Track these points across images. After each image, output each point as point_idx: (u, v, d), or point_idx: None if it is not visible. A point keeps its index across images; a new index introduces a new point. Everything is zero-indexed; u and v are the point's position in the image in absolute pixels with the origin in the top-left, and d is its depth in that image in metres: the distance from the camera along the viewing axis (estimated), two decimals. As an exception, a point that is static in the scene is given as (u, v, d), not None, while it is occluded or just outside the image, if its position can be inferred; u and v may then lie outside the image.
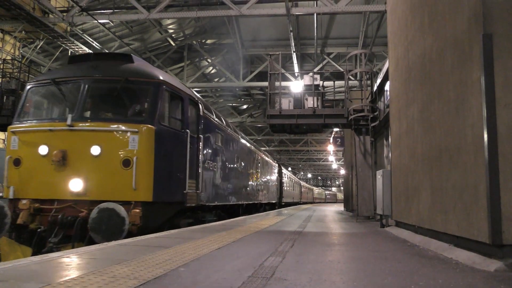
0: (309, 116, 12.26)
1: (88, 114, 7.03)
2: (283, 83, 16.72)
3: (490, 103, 3.78)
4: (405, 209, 7.17)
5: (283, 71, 16.28)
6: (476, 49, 4.00)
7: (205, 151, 9.06)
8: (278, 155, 48.37)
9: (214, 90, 25.94)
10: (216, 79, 25.33)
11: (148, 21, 17.77)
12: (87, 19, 15.08)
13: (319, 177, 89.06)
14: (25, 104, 7.32)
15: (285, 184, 28.87)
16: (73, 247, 5.74)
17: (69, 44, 16.77)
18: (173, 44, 20.83)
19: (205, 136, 9.00)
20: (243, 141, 14.44)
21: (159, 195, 6.69)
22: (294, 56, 17.94)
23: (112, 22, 16.83)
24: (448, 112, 4.83)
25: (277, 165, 25.50)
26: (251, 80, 20.61)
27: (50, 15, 15.49)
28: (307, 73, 13.32)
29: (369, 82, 12.73)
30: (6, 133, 6.89)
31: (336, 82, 16.46)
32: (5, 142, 6.74)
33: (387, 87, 11.24)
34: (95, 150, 6.41)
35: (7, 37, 17.35)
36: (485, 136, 3.78)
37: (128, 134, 6.51)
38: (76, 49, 16.94)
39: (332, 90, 18.75)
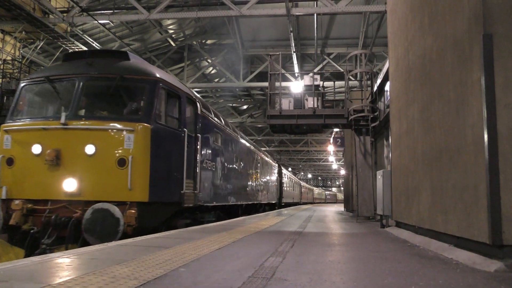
0: (309, 116, 12.26)
1: (82, 112, 6.90)
2: (283, 84, 16.72)
3: (490, 103, 3.78)
4: (405, 209, 7.17)
5: (283, 71, 16.28)
6: (476, 49, 4.00)
7: (203, 151, 8.91)
8: (278, 155, 48.36)
9: (214, 90, 25.95)
10: (216, 80, 25.33)
11: (148, 21, 17.78)
12: (87, 20, 15.09)
13: (319, 178, 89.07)
14: (18, 103, 7.17)
15: (285, 185, 28.86)
16: (66, 249, 5.60)
17: (69, 45, 16.79)
18: (173, 45, 20.84)
19: (203, 135, 8.86)
20: (242, 140, 14.35)
21: (155, 195, 6.55)
22: (294, 56, 17.95)
23: (112, 22, 16.85)
24: (448, 112, 4.83)
25: (277, 165, 25.48)
26: (251, 81, 20.62)
27: (51, 16, 15.50)
28: (307, 74, 13.32)
29: (369, 82, 12.74)
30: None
31: (336, 82, 16.48)
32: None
33: (387, 87, 11.24)
34: (90, 149, 6.28)
35: (8, 38, 17.36)
36: (485, 136, 3.78)
37: (124, 132, 6.37)
38: (77, 50, 16.94)
39: (332, 90, 18.79)
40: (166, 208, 7.24)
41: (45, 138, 6.42)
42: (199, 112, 8.68)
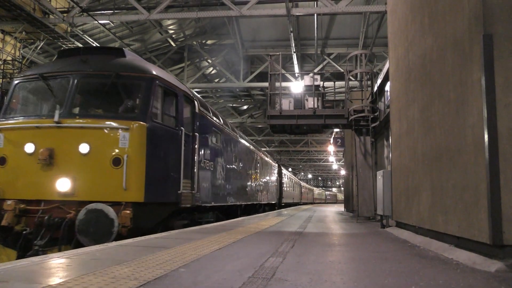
0: (310, 116, 12.26)
1: (76, 110, 6.74)
2: (284, 84, 16.72)
3: (490, 103, 3.78)
4: (405, 209, 7.17)
5: (283, 71, 16.29)
6: (476, 50, 4.00)
7: (201, 150, 8.76)
8: (278, 155, 48.39)
9: (214, 90, 25.96)
10: (216, 80, 25.35)
11: (148, 21, 17.78)
12: (87, 20, 15.09)
13: (319, 178, 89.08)
14: (11, 100, 7.02)
15: (285, 185, 28.84)
16: (59, 250, 5.47)
17: (69, 45, 16.78)
18: (174, 45, 20.84)
19: (201, 134, 8.71)
20: (241, 140, 14.26)
21: (151, 196, 6.41)
22: (294, 56, 17.95)
23: (113, 22, 16.86)
24: (448, 112, 4.83)
25: (276, 165, 25.46)
26: (251, 81, 20.62)
27: (51, 16, 15.51)
28: (308, 74, 13.32)
29: (369, 82, 12.73)
30: None
31: (336, 82, 16.46)
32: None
33: (387, 87, 11.24)
34: (84, 148, 6.13)
35: (8, 38, 17.36)
36: (486, 136, 3.77)
37: (119, 131, 6.24)
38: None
39: (333, 90, 18.73)
40: (163, 208, 7.09)
41: (38, 137, 6.28)
42: (196, 110, 8.55)
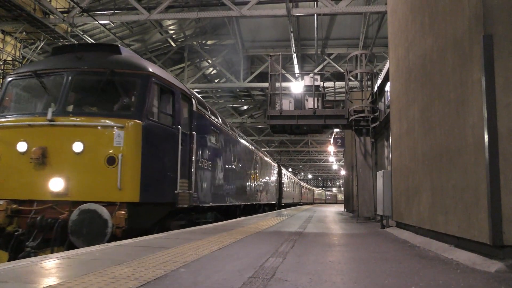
0: (310, 116, 12.26)
1: (70, 108, 6.58)
2: (284, 84, 16.72)
3: (490, 103, 3.78)
4: (405, 210, 7.17)
5: (283, 71, 16.28)
6: (476, 50, 4.00)
7: (199, 149, 8.59)
8: (278, 155, 48.41)
9: (214, 91, 25.97)
10: (216, 80, 25.35)
11: (148, 22, 17.79)
12: (87, 20, 15.10)
13: (319, 178, 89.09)
14: (4, 98, 6.88)
15: (284, 185, 28.83)
16: (52, 252, 5.40)
17: (69, 45, 16.78)
18: (174, 45, 20.85)
19: (199, 133, 8.55)
20: (241, 140, 14.17)
21: (146, 196, 6.27)
22: (294, 57, 17.95)
23: (113, 23, 16.87)
24: (448, 112, 4.83)
25: (276, 165, 25.44)
26: (251, 81, 20.62)
27: (51, 16, 15.52)
28: (308, 74, 13.32)
29: (369, 83, 12.73)
30: None
31: (336, 83, 16.46)
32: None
33: (387, 87, 11.24)
34: (77, 147, 6.00)
35: (8, 38, 17.36)
36: (486, 136, 3.78)
37: (113, 129, 6.09)
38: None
39: (333, 91, 18.72)
40: (159, 209, 6.96)
41: (31, 135, 6.14)
42: (194, 109, 8.40)
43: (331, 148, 31.29)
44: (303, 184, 48.94)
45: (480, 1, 3.91)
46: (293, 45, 16.84)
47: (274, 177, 23.50)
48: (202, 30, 20.59)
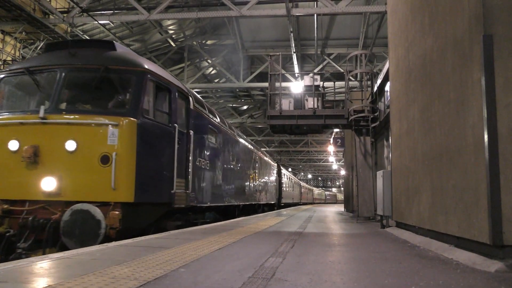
0: (310, 116, 12.26)
1: (63, 105, 6.45)
2: (284, 84, 16.72)
3: (490, 103, 3.78)
4: (405, 209, 7.17)
5: (283, 71, 16.28)
6: (476, 50, 4.00)
7: (196, 148, 8.43)
8: (278, 155, 48.41)
9: (214, 91, 25.96)
10: (216, 80, 25.35)
11: (148, 22, 17.78)
12: (87, 20, 15.09)
13: (319, 178, 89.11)
14: None
15: (284, 185, 28.82)
16: (44, 253, 5.26)
17: (69, 45, 16.76)
18: (174, 45, 20.84)
19: (196, 132, 8.38)
20: (239, 139, 14.09)
21: (141, 195, 6.12)
22: (294, 56, 17.95)
23: (113, 23, 16.86)
24: (448, 112, 4.83)
25: (276, 165, 25.42)
26: (251, 81, 20.61)
27: (51, 16, 15.51)
28: (307, 74, 13.33)
29: (369, 82, 12.73)
30: None
31: (336, 82, 16.46)
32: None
33: (387, 87, 11.24)
34: (70, 145, 5.85)
35: (8, 38, 17.36)
36: (486, 136, 3.78)
37: (108, 127, 5.93)
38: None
39: (333, 90, 18.72)
40: (155, 209, 6.82)
41: (23, 134, 6.00)
42: (191, 107, 8.23)
43: (331, 148, 31.29)
44: (302, 184, 48.94)
45: (480, 1, 3.91)
46: (293, 45, 16.84)
47: (273, 177, 23.49)
48: (202, 30, 20.59)
